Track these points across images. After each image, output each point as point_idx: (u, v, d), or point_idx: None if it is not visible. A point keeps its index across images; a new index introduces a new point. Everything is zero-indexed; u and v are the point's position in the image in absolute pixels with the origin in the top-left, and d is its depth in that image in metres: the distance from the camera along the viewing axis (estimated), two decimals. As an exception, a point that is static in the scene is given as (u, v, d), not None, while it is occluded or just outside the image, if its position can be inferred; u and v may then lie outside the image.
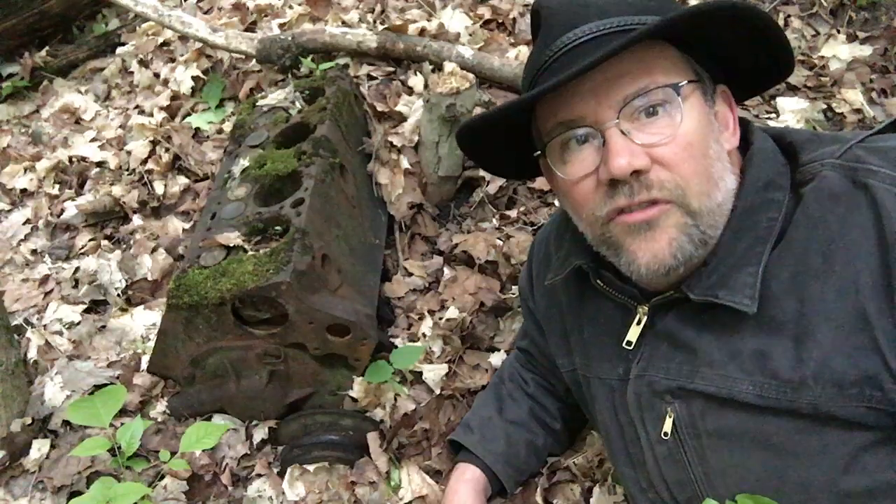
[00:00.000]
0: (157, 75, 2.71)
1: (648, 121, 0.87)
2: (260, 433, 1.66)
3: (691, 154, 0.87)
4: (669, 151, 0.86)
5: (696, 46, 0.91)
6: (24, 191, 2.45)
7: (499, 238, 1.95)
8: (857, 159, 0.86)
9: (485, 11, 2.54)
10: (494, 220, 2.04)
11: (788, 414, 0.85)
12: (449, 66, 1.92)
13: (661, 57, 0.89)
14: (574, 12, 0.91)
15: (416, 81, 2.28)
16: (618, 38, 0.84)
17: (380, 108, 2.20)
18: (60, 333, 1.93)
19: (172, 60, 2.70)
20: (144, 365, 1.77)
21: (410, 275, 1.99)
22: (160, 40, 2.78)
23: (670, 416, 0.99)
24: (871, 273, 0.79)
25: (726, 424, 0.92)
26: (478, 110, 2.11)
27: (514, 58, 2.31)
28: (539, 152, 0.99)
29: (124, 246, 2.20)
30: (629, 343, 1.03)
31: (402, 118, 2.18)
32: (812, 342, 0.83)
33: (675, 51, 0.91)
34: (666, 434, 0.99)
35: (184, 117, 2.52)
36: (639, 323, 1.02)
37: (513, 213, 2.03)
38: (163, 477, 1.55)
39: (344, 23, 2.54)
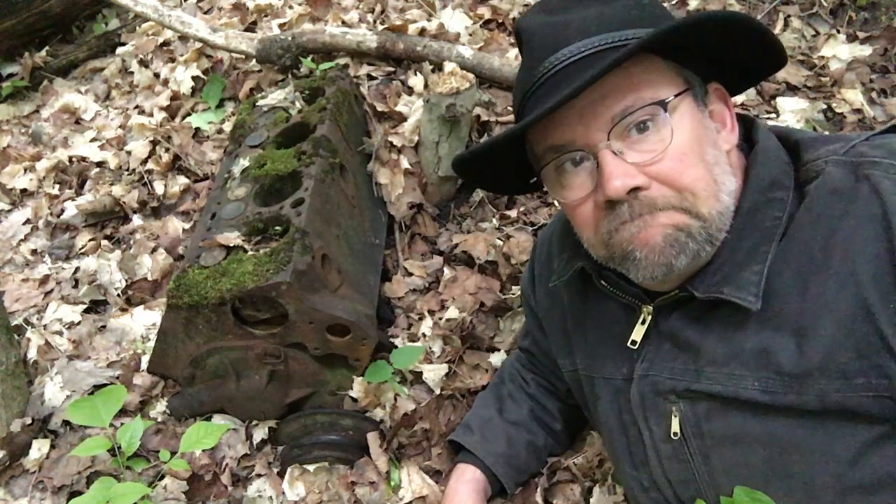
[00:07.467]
0: (157, 75, 2.71)
1: (640, 136, 0.87)
2: (260, 433, 1.66)
3: (689, 164, 0.86)
4: (665, 167, 0.86)
5: (683, 50, 0.90)
6: (24, 191, 2.45)
7: (499, 238, 1.95)
8: (860, 154, 0.86)
9: (485, 11, 2.54)
10: (494, 220, 2.04)
11: (794, 411, 0.85)
12: (449, 66, 1.92)
13: (647, 70, 0.88)
14: (555, 34, 0.90)
15: (416, 81, 2.28)
16: (601, 59, 0.83)
17: (380, 108, 2.20)
18: (60, 333, 1.93)
19: (172, 60, 2.70)
20: (144, 365, 1.77)
21: (410, 275, 1.99)
22: (160, 40, 2.78)
23: (676, 416, 0.99)
24: (872, 261, 0.79)
25: (731, 424, 0.92)
26: (478, 110, 2.11)
27: (514, 58, 2.31)
28: (539, 174, 0.99)
29: (124, 246, 2.19)
30: (633, 343, 1.04)
31: (402, 118, 2.18)
32: (815, 336, 0.83)
33: (662, 61, 0.90)
34: (676, 434, 0.99)
35: (184, 117, 2.52)
36: (643, 323, 1.03)
37: (513, 213, 2.03)
38: (163, 477, 1.55)
39: (344, 23, 2.54)
